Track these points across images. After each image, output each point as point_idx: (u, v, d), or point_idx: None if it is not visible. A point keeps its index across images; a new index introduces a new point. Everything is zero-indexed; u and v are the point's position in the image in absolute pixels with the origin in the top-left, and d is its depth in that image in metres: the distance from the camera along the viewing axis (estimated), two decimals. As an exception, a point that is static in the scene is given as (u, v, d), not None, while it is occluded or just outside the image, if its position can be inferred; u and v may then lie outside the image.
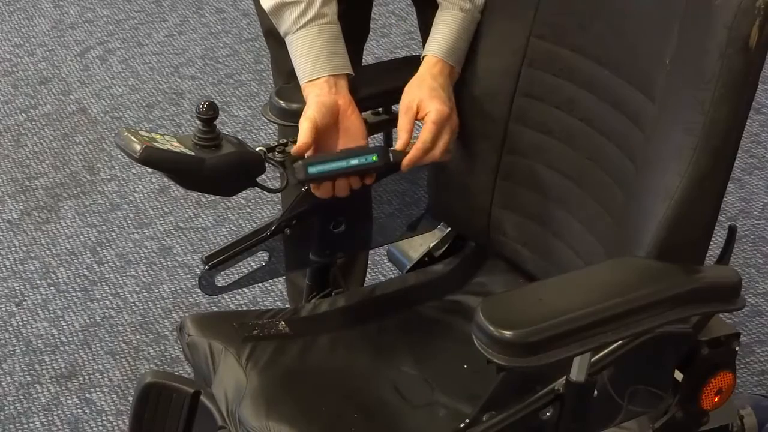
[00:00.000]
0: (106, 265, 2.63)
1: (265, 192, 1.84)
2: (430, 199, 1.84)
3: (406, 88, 1.65)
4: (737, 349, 1.55)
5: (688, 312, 1.36)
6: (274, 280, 2.28)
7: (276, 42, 1.96)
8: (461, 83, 1.69)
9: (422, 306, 1.78)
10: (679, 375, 1.52)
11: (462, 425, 1.39)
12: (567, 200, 1.65)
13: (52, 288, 2.56)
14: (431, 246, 1.89)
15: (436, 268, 1.85)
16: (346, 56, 1.67)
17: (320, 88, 1.63)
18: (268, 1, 1.67)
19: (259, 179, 1.66)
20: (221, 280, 1.74)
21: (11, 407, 2.26)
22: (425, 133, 1.61)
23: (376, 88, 1.72)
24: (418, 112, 1.62)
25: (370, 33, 2.06)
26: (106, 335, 2.43)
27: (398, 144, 1.62)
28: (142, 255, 2.66)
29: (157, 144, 1.52)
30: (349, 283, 1.99)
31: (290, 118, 1.69)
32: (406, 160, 1.62)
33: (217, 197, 2.80)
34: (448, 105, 1.63)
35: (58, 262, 2.64)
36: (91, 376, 2.34)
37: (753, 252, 2.68)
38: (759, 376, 2.34)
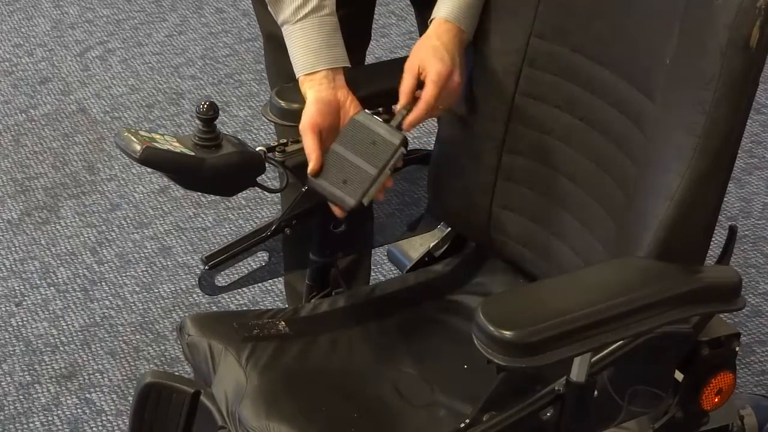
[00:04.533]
0: (106, 265, 2.63)
1: (265, 192, 1.84)
2: (430, 199, 1.84)
3: (411, 51, 1.65)
4: (737, 349, 1.55)
5: (688, 312, 1.36)
6: (274, 280, 2.28)
7: (275, 45, 1.96)
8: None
9: (422, 306, 1.78)
10: (679, 375, 1.52)
11: (462, 425, 1.39)
12: (567, 200, 1.65)
13: (52, 288, 2.56)
14: (431, 246, 1.89)
15: (436, 268, 1.85)
16: (344, 49, 1.67)
17: (319, 83, 1.63)
18: None
19: (259, 179, 1.66)
20: (221, 280, 1.74)
21: (11, 407, 2.26)
22: (426, 94, 1.61)
23: (376, 87, 1.71)
24: (420, 75, 1.62)
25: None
26: (106, 335, 2.43)
27: (398, 105, 1.62)
28: (142, 255, 2.66)
29: (157, 144, 1.52)
30: (353, 285, 1.99)
31: (290, 118, 1.69)
32: (408, 121, 1.61)
33: (217, 197, 2.80)
34: (448, 64, 1.61)
35: (58, 262, 2.64)
36: (91, 376, 2.33)
37: (753, 252, 2.68)
38: (759, 376, 2.34)
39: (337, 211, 1.64)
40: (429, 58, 1.61)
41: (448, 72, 1.61)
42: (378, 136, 1.61)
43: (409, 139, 1.62)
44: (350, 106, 1.64)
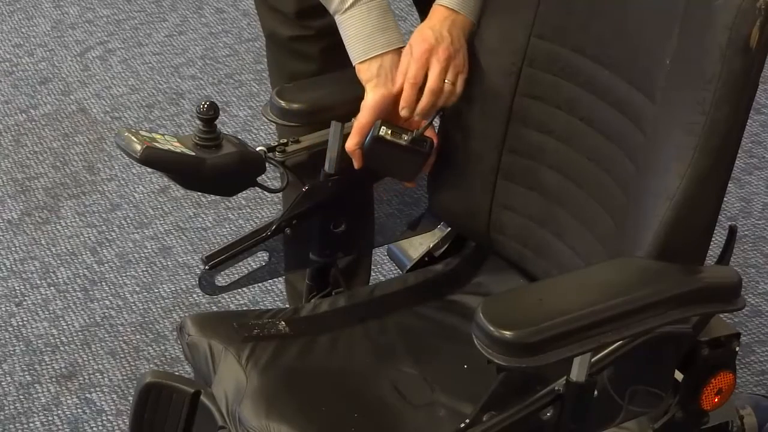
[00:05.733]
0: (106, 265, 2.63)
1: (265, 192, 1.85)
2: (430, 198, 1.84)
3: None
4: (737, 349, 1.55)
5: (688, 312, 1.36)
6: (274, 280, 2.28)
7: (276, 45, 1.96)
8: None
9: (422, 306, 1.78)
10: (679, 375, 1.52)
11: (462, 425, 1.39)
12: (567, 200, 1.65)
13: (52, 288, 2.56)
14: (431, 246, 1.89)
15: (436, 268, 1.85)
16: (398, 29, 1.67)
17: (377, 74, 1.64)
18: None
19: (259, 179, 1.66)
20: (221, 280, 1.74)
21: (11, 407, 2.26)
22: (411, 70, 1.62)
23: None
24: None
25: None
26: (106, 335, 2.43)
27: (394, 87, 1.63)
28: (142, 255, 2.66)
29: (157, 144, 1.53)
30: (353, 284, 1.99)
31: (290, 118, 1.69)
32: (418, 109, 1.63)
33: (217, 197, 2.80)
34: (429, 41, 1.62)
35: (58, 262, 2.64)
36: (91, 376, 2.33)
37: (753, 252, 2.68)
38: (759, 376, 2.34)
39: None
40: (415, 37, 1.63)
41: (429, 45, 1.61)
42: (398, 152, 1.65)
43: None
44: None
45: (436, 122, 1.72)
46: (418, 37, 1.63)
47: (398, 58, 1.65)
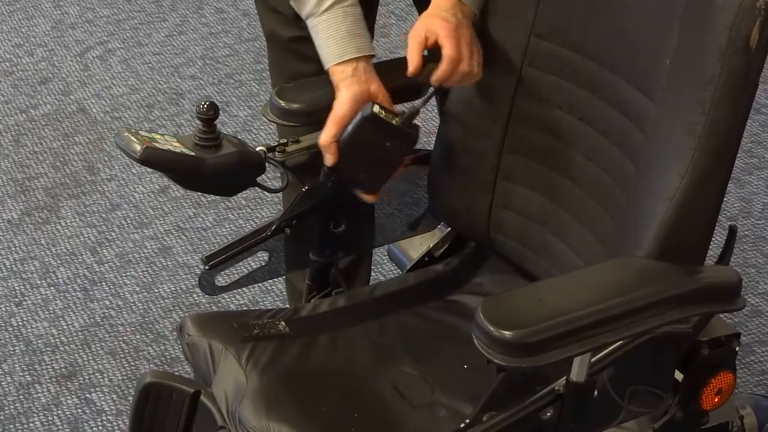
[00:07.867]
0: (106, 265, 2.63)
1: (265, 192, 1.85)
2: (430, 199, 1.84)
3: (414, 25, 1.65)
4: (737, 349, 1.55)
5: (688, 312, 1.36)
6: (274, 280, 2.27)
7: (276, 46, 1.97)
8: (462, 83, 1.69)
9: (422, 306, 1.78)
10: (679, 375, 1.52)
11: (462, 425, 1.39)
12: (567, 200, 1.65)
13: (52, 288, 2.56)
14: (431, 246, 1.89)
15: (436, 268, 1.85)
16: (369, 37, 1.67)
17: (352, 74, 1.63)
18: None
19: (259, 179, 1.66)
20: (221, 280, 1.74)
21: (11, 407, 2.26)
22: (446, 49, 1.61)
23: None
24: (427, 39, 1.62)
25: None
26: (106, 335, 2.43)
27: (408, 72, 1.62)
28: (142, 255, 2.66)
29: (157, 144, 1.53)
30: (353, 284, 1.99)
31: (290, 118, 1.69)
32: (436, 76, 1.62)
33: (217, 197, 2.80)
34: (452, 21, 1.61)
35: (58, 262, 2.64)
36: (91, 376, 2.33)
37: (753, 252, 2.68)
38: (759, 376, 2.34)
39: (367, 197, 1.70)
40: (432, 21, 1.62)
41: (454, 25, 1.61)
42: (388, 134, 1.62)
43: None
44: (382, 100, 1.64)
45: (432, 123, 1.72)
46: (438, 17, 1.61)
47: (370, 65, 1.65)
